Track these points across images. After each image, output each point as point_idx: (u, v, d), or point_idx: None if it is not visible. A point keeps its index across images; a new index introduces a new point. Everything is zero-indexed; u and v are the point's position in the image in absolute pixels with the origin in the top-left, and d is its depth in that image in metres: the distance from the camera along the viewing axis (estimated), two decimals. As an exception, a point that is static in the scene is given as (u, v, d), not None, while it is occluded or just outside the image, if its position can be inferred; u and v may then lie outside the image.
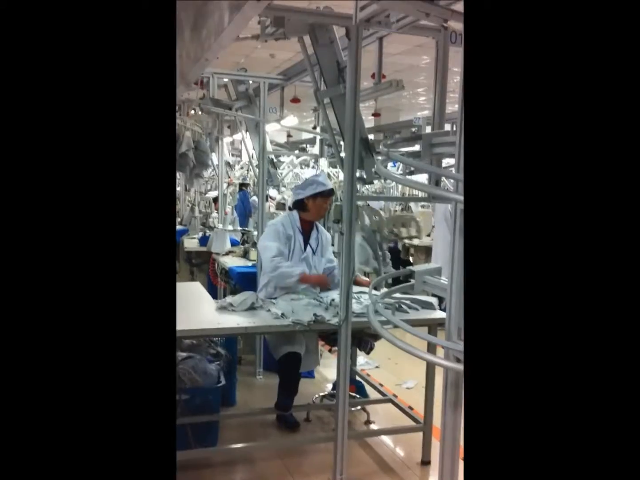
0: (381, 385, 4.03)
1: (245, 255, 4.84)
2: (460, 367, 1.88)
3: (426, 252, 6.58)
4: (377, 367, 4.65)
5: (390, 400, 3.60)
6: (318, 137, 4.85)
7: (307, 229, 3.52)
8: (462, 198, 1.88)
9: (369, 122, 11.88)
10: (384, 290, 2.79)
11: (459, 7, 1.84)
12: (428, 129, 3.43)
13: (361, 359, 4.60)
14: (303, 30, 2.69)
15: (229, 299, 3.11)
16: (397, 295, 3.25)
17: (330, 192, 3.55)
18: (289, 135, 9.81)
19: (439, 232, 5.58)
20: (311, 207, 3.47)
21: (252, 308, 3.03)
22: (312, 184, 3.49)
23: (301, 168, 5.89)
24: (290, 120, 6.29)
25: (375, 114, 10.97)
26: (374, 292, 2.50)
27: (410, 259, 7.03)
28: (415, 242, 7.14)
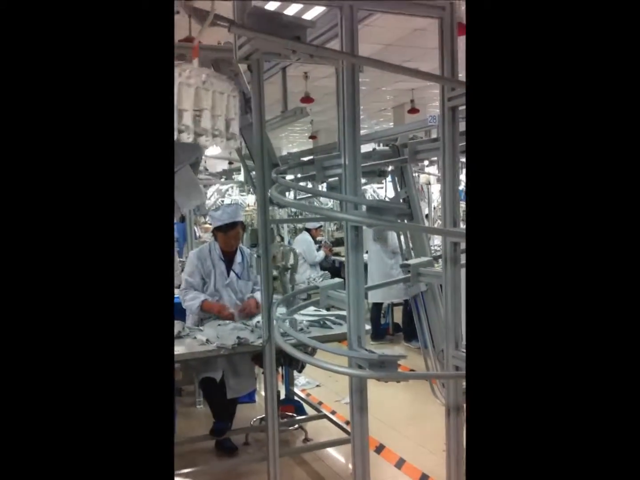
0: (320, 403, 4.11)
1: (180, 285, 4.85)
2: (361, 373, 1.99)
3: (366, 269, 6.74)
4: (317, 385, 4.72)
5: (325, 416, 3.68)
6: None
7: (229, 255, 3.53)
8: (349, 217, 2.01)
9: (308, 144, 12.11)
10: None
11: (334, 44, 2.00)
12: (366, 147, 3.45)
13: (302, 379, 4.67)
14: (206, 64, 2.80)
15: (155, 329, 3.14)
16: (323, 312, 3.37)
17: (227, 227, 3.36)
18: (230, 163, 9.89)
19: (372, 250, 5.78)
20: (218, 239, 3.50)
21: (178, 337, 3.07)
22: (212, 218, 3.50)
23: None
24: (213, 150, 6.36)
25: (312, 137, 11.24)
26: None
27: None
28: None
